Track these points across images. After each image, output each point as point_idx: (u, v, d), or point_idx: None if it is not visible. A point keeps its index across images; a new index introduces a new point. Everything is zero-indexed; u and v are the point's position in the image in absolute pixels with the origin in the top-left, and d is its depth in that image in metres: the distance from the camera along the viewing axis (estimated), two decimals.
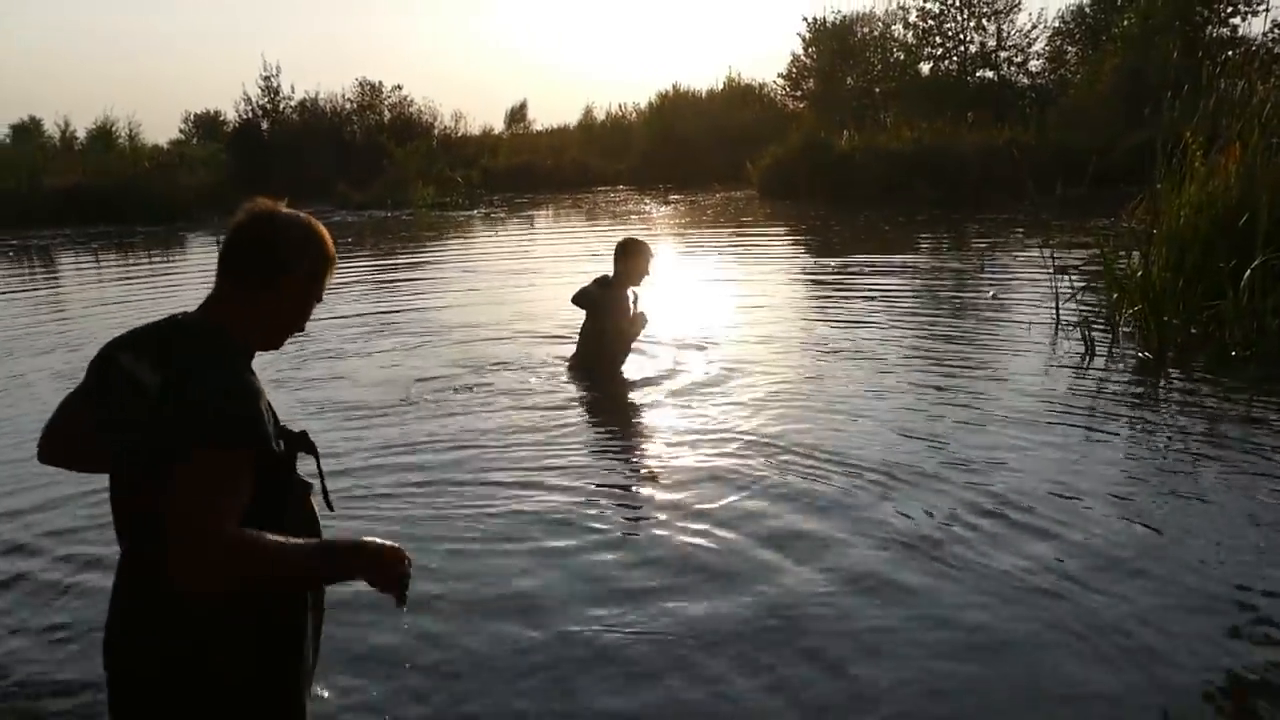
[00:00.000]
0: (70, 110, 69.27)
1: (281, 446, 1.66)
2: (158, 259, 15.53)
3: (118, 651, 1.71)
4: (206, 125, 41.18)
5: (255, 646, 1.68)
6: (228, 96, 69.72)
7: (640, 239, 5.89)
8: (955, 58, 32.05)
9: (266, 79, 31.97)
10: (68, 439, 1.81)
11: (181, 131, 42.28)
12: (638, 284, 5.73)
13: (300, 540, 1.57)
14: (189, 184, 24.35)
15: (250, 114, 32.20)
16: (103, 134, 33.66)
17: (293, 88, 33.14)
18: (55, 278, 13.56)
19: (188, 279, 12.15)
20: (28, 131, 38.58)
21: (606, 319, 5.73)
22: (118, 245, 17.30)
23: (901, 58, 33.28)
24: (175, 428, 1.53)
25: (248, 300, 1.72)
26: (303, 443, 1.73)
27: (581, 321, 5.98)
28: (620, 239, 5.89)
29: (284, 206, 1.79)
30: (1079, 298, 7.11)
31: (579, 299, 5.81)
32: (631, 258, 5.67)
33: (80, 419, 1.76)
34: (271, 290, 1.72)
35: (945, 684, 2.51)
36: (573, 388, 5.80)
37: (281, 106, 32.43)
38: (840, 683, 2.53)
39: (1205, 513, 3.56)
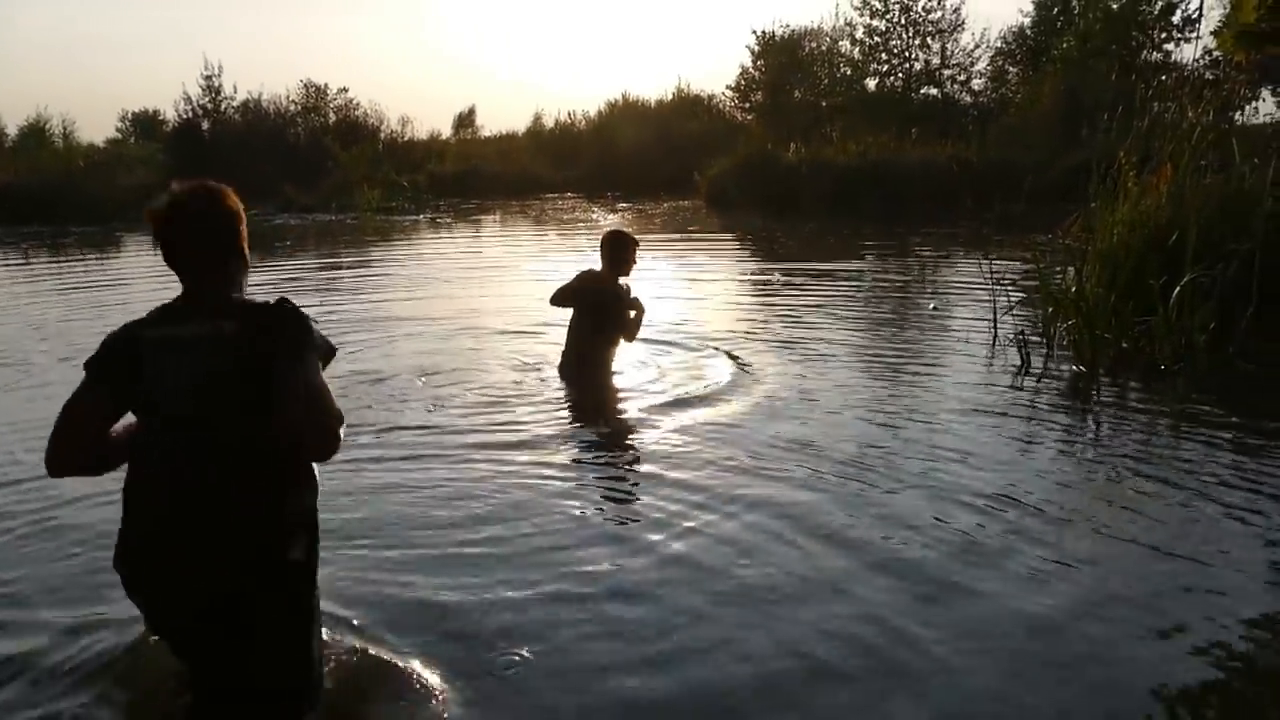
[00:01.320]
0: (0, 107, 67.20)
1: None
2: (92, 259, 15.12)
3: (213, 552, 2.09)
4: (144, 124, 40.34)
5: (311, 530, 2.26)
6: (167, 96, 68.21)
7: (625, 230, 6.01)
8: (900, 74, 32.63)
9: (208, 78, 31.41)
10: (90, 440, 2.16)
11: (119, 130, 41.40)
12: (627, 274, 5.83)
13: None
14: (126, 184, 23.78)
15: (190, 113, 31.59)
16: (35, 132, 32.80)
17: (235, 88, 32.57)
18: None
19: (123, 279, 11.87)
20: None
21: (610, 310, 5.78)
22: (50, 245, 16.82)
23: (848, 73, 33.80)
24: (293, 349, 2.11)
25: (239, 268, 2.24)
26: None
27: (568, 322, 5.97)
28: (605, 232, 5.98)
29: (176, 185, 2.19)
30: (1016, 311, 7.27)
31: (565, 298, 5.77)
32: (620, 249, 5.79)
33: (101, 413, 2.15)
34: (243, 252, 2.26)
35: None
36: (562, 386, 5.85)
37: (223, 106, 31.87)
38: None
39: (1131, 518, 3.63)
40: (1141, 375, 5.88)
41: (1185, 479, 4.06)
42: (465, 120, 42.89)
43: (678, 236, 16.73)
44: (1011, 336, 6.58)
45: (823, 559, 3.30)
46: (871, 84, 33.07)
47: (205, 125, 31.55)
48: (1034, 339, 6.55)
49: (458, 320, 8.18)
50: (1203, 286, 6.07)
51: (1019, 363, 6.19)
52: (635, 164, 30.51)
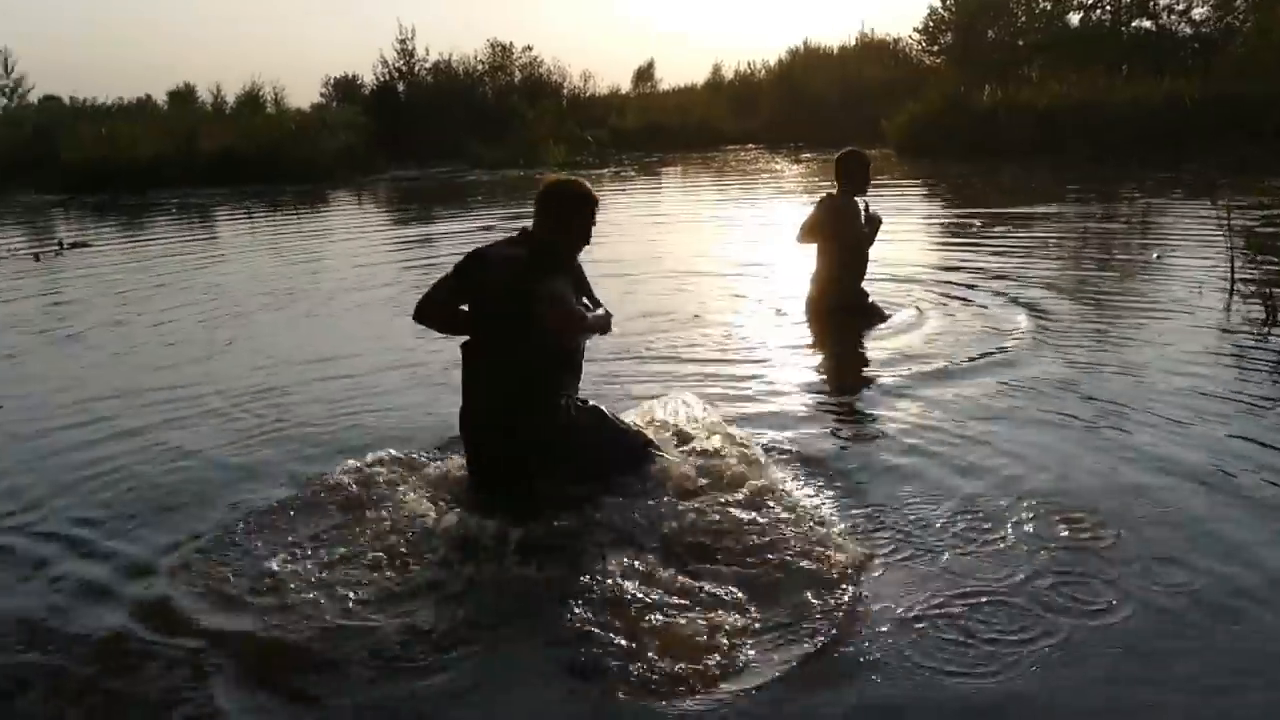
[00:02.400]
0: (220, 77, 72.42)
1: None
2: (305, 214, 16.20)
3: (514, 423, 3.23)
4: (345, 89, 42.49)
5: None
6: (365, 61, 71.84)
7: (859, 149, 6.11)
8: (1108, 6, 30.21)
9: (402, 42, 32.78)
10: (444, 310, 3.39)
11: (322, 95, 43.75)
12: (863, 192, 5.96)
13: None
14: (330, 146, 25.18)
15: (387, 76, 33.11)
16: (250, 99, 35.12)
17: (427, 50, 33.85)
18: (212, 231, 14.29)
19: (330, 231, 12.64)
20: (183, 98, 40.58)
21: (849, 228, 5.89)
22: (269, 203, 18.12)
23: (1047, 8, 31.59)
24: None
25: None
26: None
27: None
28: (841, 152, 6.08)
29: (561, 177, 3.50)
30: (1257, 260, 6.65)
31: (810, 232, 5.92)
32: (856, 167, 5.92)
33: (454, 296, 3.37)
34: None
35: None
36: (806, 319, 6.10)
37: (417, 69, 33.22)
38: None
39: None
40: None
41: None
42: (644, 74, 42.85)
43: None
44: (1253, 287, 6.03)
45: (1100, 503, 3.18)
46: (1075, 19, 30.78)
47: (400, 87, 33.02)
48: None
49: (660, 265, 8.37)
50: None
51: (1262, 316, 5.66)
52: (818, 113, 29.71)
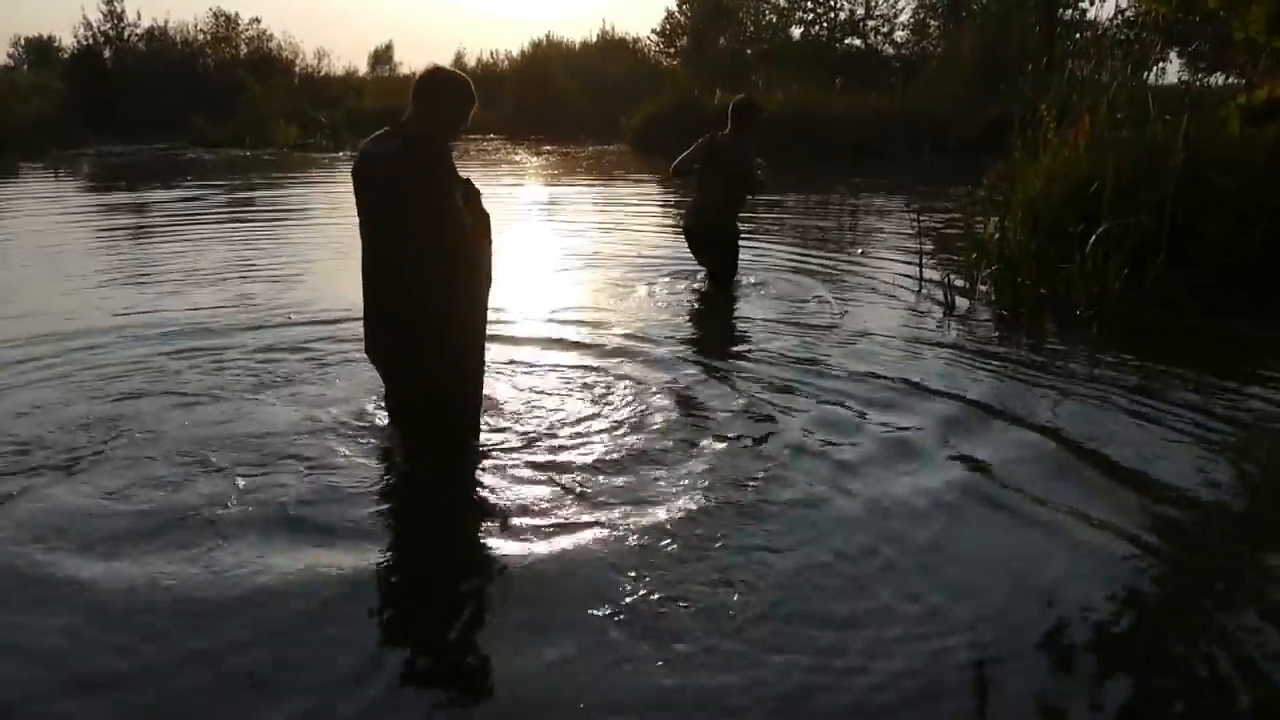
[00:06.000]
0: None
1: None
2: None
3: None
4: (38, 50, 38.10)
5: None
6: (64, 22, 64.53)
7: (751, 97, 6.87)
8: (825, 24, 32.66)
9: (109, 3, 29.88)
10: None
11: (10, 57, 39.00)
12: (750, 137, 6.47)
13: None
14: (23, 113, 22.52)
15: (90, 40, 30.05)
16: None
17: (138, 14, 31.08)
18: None
19: (19, 208, 11.32)
20: None
21: (747, 167, 6.38)
22: None
23: (773, 20, 33.70)
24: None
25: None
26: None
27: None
28: (735, 99, 6.67)
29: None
30: (940, 258, 7.46)
31: (685, 164, 6.48)
32: (751, 113, 6.48)
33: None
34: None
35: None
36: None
37: (126, 34, 30.39)
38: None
39: (1036, 454, 3.82)
40: (1058, 319, 6.12)
41: (1091, 415, 4.30)
42: (382, 57, 41.63)
43: (601, 179, 16.68)
44: (936, 282, 6.77)
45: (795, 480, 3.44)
46: (796, 32, 33.05)
47: (107, 53, 30.07)
48: (957, 285, 6.76)
49: None
50: (1117, 235, 6.31)
51: (943, 306, 6.38)
52: (560, 107, 30.07)
